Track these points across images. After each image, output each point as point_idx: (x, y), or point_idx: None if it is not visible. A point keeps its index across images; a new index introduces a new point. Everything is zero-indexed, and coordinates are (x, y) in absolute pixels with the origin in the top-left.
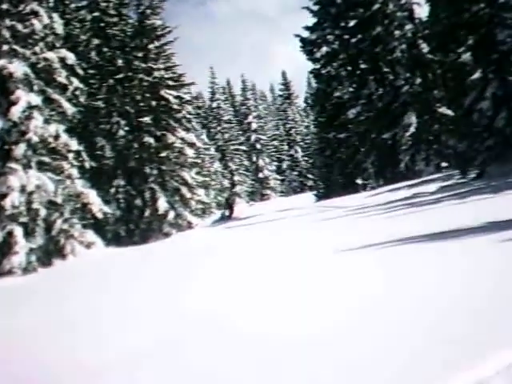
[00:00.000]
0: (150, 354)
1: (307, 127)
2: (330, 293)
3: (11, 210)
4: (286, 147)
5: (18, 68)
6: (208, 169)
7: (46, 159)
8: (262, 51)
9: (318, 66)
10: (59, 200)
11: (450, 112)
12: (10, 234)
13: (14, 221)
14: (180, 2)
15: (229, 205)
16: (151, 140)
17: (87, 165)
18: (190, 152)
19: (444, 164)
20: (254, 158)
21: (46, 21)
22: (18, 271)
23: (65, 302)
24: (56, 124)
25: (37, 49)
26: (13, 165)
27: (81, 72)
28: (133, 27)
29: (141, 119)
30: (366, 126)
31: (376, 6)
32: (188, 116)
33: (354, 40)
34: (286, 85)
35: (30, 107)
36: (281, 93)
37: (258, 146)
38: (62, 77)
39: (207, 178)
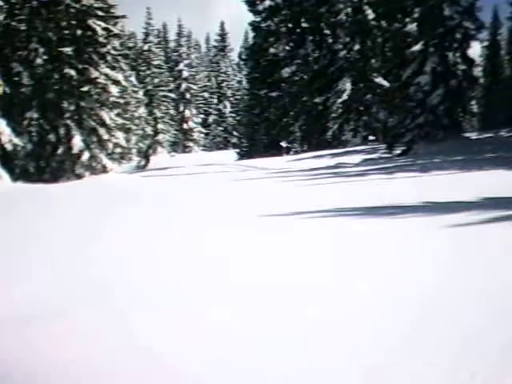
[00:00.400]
0: None
1: (239, 82)
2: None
3: None
4: (215, 100)
5: None
6: (132, 113)
7: None
8: None
9: (258, 19)
10: None
11: (385, 83)
12: None
13: None
14: None
15: (144, 155)
16: (72, 72)
17: (0, 90)
18: (113, 90)
19: (371, 137)
20: (181, 108)
21: None
22: None
23: None
24: None
25: None
26: None
27: None
28: None
29: (62, 49)
30: (299, 87)
31: None
32: (113, 52)
33: None
34: (223, 36)
35: None
36: (216, 44)
37: (188, 96)
38: None
39: (129, 122)
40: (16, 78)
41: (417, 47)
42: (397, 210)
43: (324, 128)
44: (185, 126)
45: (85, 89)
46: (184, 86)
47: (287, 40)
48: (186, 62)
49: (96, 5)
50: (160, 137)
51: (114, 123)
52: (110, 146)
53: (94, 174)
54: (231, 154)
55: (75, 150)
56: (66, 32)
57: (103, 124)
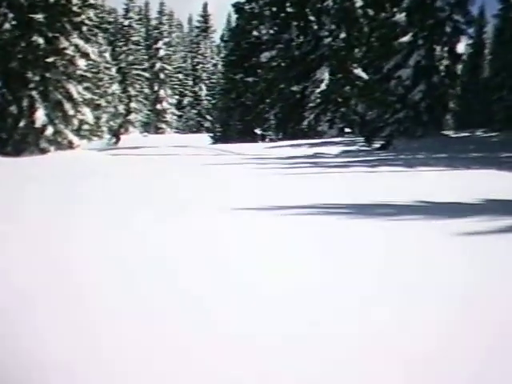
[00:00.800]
0: None
1: (215, 65)
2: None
3: None
4: (190, 83)
5: None
6: (106, 89)
7: None
8: None
9: (242, 1)
10: None
11: (364, 75)
12: None
13: None
14: None
15: (114, 133)
16: (41, 40)
17: None
18: (81, 63)
19: (347, 130)
20: (156, 88)
21: None
22: None
23: None
24: None
25: None
26: None
27: None
28: None
29: (33, 15)
30: (276, 73)
31: None
32: (88, 22)
33: None
34: (205, 17)
35: None
36: (198, 24)
37: (162, 76)
38: None
39: (100, 98)
40: None
41: (405, 38)
42: (395, 210)
43: (300, 117)
44: (158, 106)
45: (50, 60)
46: (158, 65)
47: (271, 24)
48: (166, 39)
49: None
50: (132, 116)
51: (81, 97)
52: (76, 121)
53: (60, 149)
54: (205, 137)
55: (38, 124)
56: None
57: (70, 98)
